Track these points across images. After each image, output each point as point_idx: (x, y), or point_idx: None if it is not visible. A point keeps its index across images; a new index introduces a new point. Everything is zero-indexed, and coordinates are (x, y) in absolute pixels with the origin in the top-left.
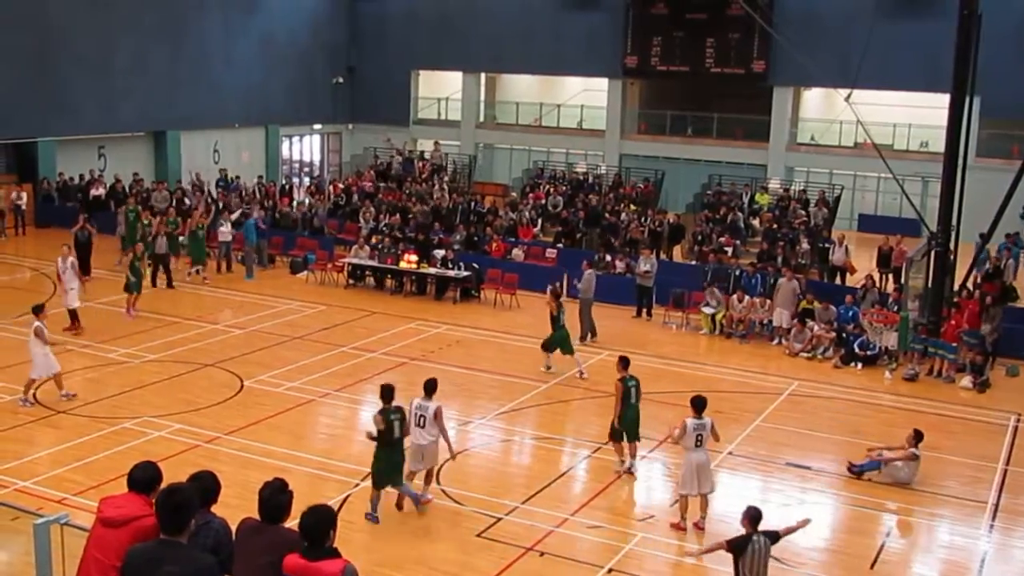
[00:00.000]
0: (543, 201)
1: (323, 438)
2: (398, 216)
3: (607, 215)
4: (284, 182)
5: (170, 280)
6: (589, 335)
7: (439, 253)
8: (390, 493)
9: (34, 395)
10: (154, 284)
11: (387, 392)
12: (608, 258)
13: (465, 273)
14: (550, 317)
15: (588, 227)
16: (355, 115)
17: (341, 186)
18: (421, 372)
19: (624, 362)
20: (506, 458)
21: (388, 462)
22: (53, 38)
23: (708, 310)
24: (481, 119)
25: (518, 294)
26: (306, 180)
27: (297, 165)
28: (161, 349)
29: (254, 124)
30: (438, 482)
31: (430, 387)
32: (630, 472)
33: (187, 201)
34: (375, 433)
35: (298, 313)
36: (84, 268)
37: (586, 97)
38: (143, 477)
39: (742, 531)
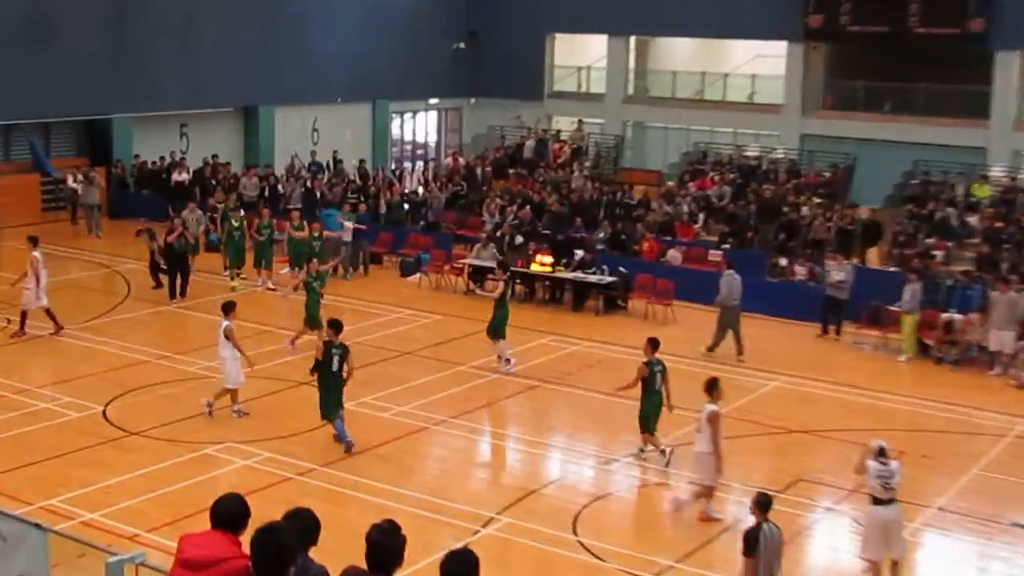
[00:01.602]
0: (706, 192)
1: (436, 473)
2: (529, 209)
3: (785, 209)
4: (394, 167)
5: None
6: (731, 348)
7: (578, 254)
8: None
9: (240, 408)
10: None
11: (335, 324)
12: (785, 263)
13: (609, 279)
14: (497, 298)
15: (761, 224)
16: (478, 88)
17: (462, 161)
18: (554, 398)
19: (653, 343)
20: (657, 506)
21: (325, 392)
22: (131, 3)
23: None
24: (630, 92)
25: (674, 305)
26: (419, 165)
27: (409, 147)
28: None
29: (359, 99)
30: (575, 532)
31: (711, 386)
32: (639, 455)
33: (280, 190)
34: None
35: (408, 323)
36: (177, 288)
37: (759, 65)
38: (229, 513)
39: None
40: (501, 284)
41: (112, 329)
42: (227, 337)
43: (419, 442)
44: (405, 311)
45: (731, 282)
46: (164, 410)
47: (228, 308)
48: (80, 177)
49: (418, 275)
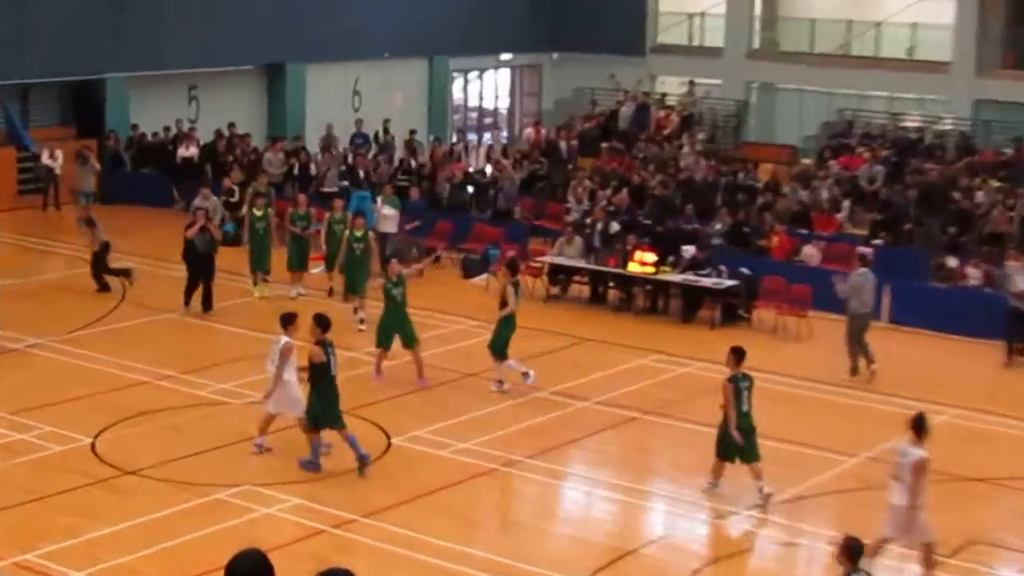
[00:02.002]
0: (852, 172)
1: (507, 528)
2: (627, 193)
3: (954, 196)
4: (455, 140)
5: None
6: (864, 366)
7: (688, 251)
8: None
9: (263, 443)
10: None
11: (323, 321)
12: (954, 263)
13: (729, 282)
14: (500, 303)
15: (923, 214)
16: (562, 41)
17: (542, 132)
18: (656, 433)
19: (737, 355)
20: (789, 570)
21: (326, 401)
22: None
23: None
24: (755, 46)
25: (811, 317)
26: (487, 138)
27: (474, 115)
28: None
29: (412, 55)
30: None
31: (919, 424)
32: (765, 498)
33: (313, 169)
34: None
35: (473, 337)
36: (199, 298)
37: (920, 12)
38: (247, 574)
39: None
40: (510, 292)
41: (103, 342)
42: (283, 359)
43: (486, 487)
44: (468, 322)
45: (864, 284)
46: (167, 444)
47: (288, 321)
48: (57, 153)
49: (485, 276)
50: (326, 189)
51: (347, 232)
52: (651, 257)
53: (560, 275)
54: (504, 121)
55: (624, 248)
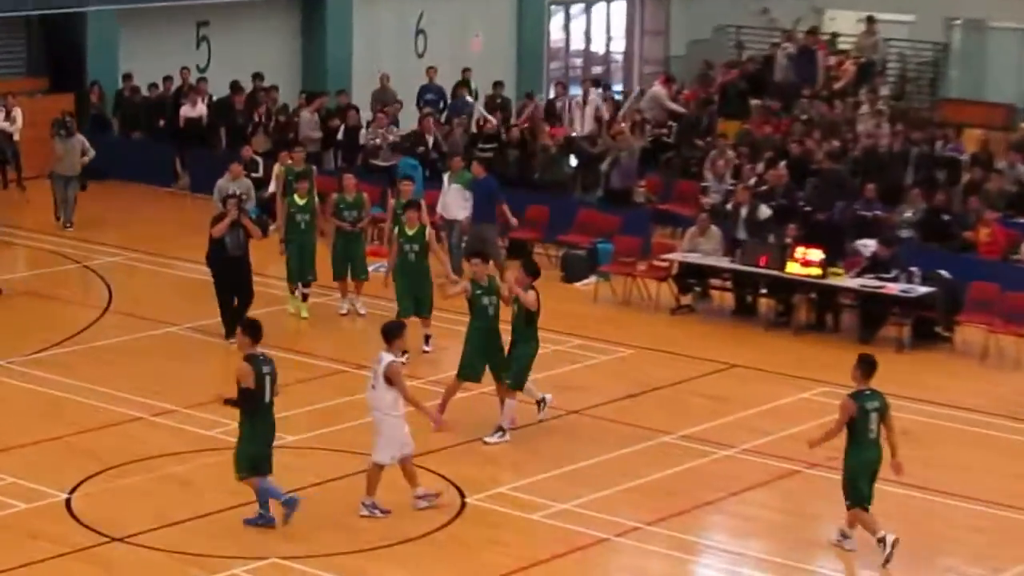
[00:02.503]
0: None
1: None
2: (784, 167)
3: None
4: (552, 95)
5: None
6: None
7: (868, 247)
8: None
9: (376, 504)
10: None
11: (254, 329)
12: None
13: (923, 289)
14: (518, 318)
15: None
16: None
17: (672, 88)
18: (825, 492)
19: (865, 366)
20: None
21: (255, 438)
22: None
23: None
24: None
25: None
26: (596, 94)
27: (579, 62)
28: (302, 426)
29: None
30: None
31: None
32: (841, 541)
33: (364, 136)
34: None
35: (577, 362)
36: (233, 316)
37: None
38: None
39: None
40: (532, 295)
41: (82, 364)
42: (389, 380)
43: (594, 566)
44: (571, 340)
45: None
46: (166, 501)
47: (392, 333)
48: (15, 113)
49: (593, 279)
50: (379, 162)
51: (391, 229)
52: (817, 255)
53: (693, 278)
54: (619, 71)
55: (780, 242)
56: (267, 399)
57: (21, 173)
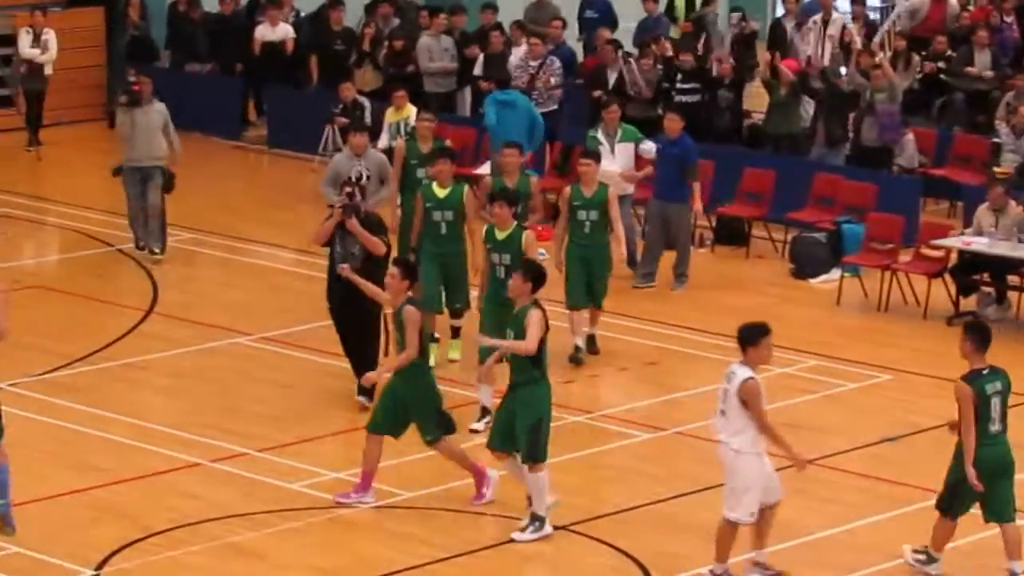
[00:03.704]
0: None
1: None
2: None
3: None
4: (782, 14)
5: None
6: None
7: None
8: None
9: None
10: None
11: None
12: None
13: None
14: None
15: None
16: None
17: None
18: None
19: (976, 336)
20: None
21: None
22: None
23: None
24: None
25: None
26: (840, 10)
27: None
28: (417, 480)
29: None
30: None
31: None
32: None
33: (512, 72)
34: None
35: (812, 390)
36: (355, 361)
37: None
38: None
39: None
40: (535, 321)
41: (115, 388)
42: (746, 403)
43: None
44: (804, 360)
45: None
46: None
47: (752, 337)
48: (47, 36)
49: (835, 274)
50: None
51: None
52: None
53: (979, 273)
54: None
55: None
56: None
57: (40, 122)
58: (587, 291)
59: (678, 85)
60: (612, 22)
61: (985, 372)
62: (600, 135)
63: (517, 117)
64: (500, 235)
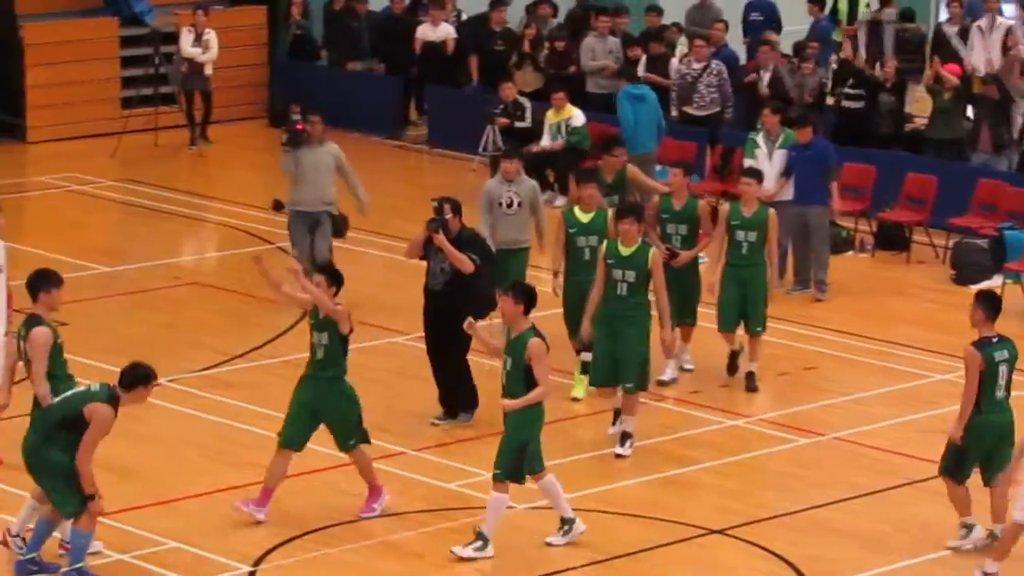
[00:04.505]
0: None
1: None
2: None
3: None
4: (944, 16)
5: None
6: None
7: None
8: None
9: None
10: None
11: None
12: None
13: None
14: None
15: None
16: None
17: None
18: None
19: (987, 304)
20: None
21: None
22: None
23: None
24: None
25: None
26: (1005, 15)
27: None
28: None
29: None
30: None
31: None
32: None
33: (673, 74)
34: None
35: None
36: (444, 391)
37: None
38: None
39: None
40: (541, 353)
41: (273, 384)
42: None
43: None
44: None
45: None
46: None
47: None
48: (208, 36)
49: (998, 280)
50: (692, 110)
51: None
52: None
53: None
54: None
55: None
56: None
57: (208, 120)
58: (740, 314)
59: (846, 90)
60: (777, 25)
61: (995, 340)
62: (760, 139)
63: (648, 111)
64: (625, 251)
